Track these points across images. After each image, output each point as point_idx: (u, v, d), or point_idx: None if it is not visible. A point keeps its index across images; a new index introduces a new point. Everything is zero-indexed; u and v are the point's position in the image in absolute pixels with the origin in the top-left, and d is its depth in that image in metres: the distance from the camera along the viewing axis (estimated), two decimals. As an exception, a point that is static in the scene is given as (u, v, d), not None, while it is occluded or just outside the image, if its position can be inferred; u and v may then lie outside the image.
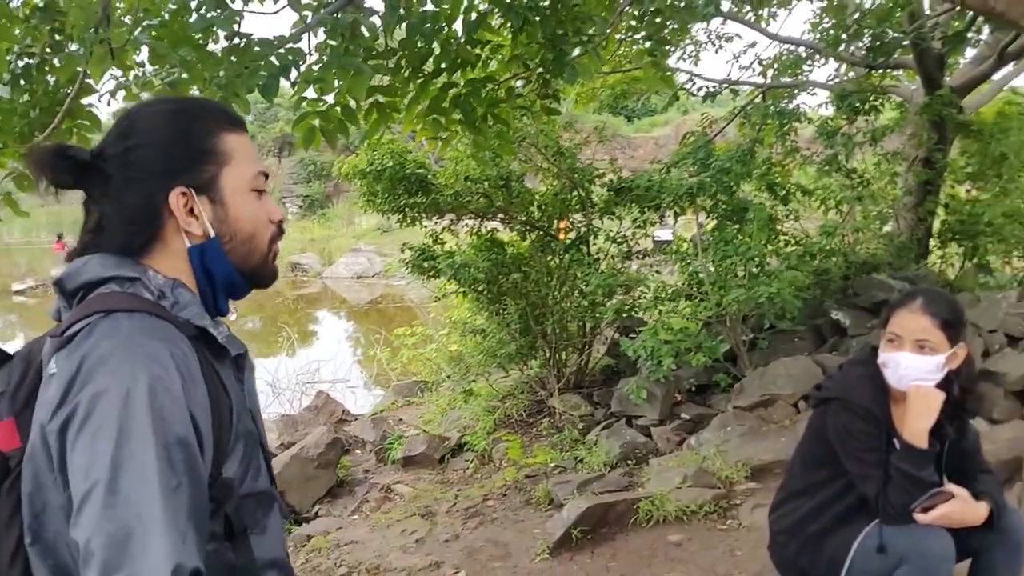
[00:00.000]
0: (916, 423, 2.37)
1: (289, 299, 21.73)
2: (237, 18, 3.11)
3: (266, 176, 1.40)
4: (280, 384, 10.48)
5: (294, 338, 13.92)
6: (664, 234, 10.28)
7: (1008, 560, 2.46)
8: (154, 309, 1.21)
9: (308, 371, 11.81)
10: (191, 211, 1.30)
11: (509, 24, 4.21)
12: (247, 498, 1.31)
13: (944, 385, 2.41)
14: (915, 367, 2.37)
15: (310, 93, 3.66)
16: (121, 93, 3.55)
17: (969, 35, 7.45)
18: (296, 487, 5.89)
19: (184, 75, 3.11)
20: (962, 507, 2.35)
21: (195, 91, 3.21)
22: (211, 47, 3.26)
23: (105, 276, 1.25)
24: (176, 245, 1.31)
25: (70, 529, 1.07)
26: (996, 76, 9.08)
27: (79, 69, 2.92)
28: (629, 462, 5.56)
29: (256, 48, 3.19)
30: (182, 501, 1.08)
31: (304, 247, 28.51)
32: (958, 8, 7.54)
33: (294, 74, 3.22)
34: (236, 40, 3.21)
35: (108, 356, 1.12)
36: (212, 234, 1.31)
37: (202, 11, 3.18)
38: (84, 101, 3.18)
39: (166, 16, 3.42)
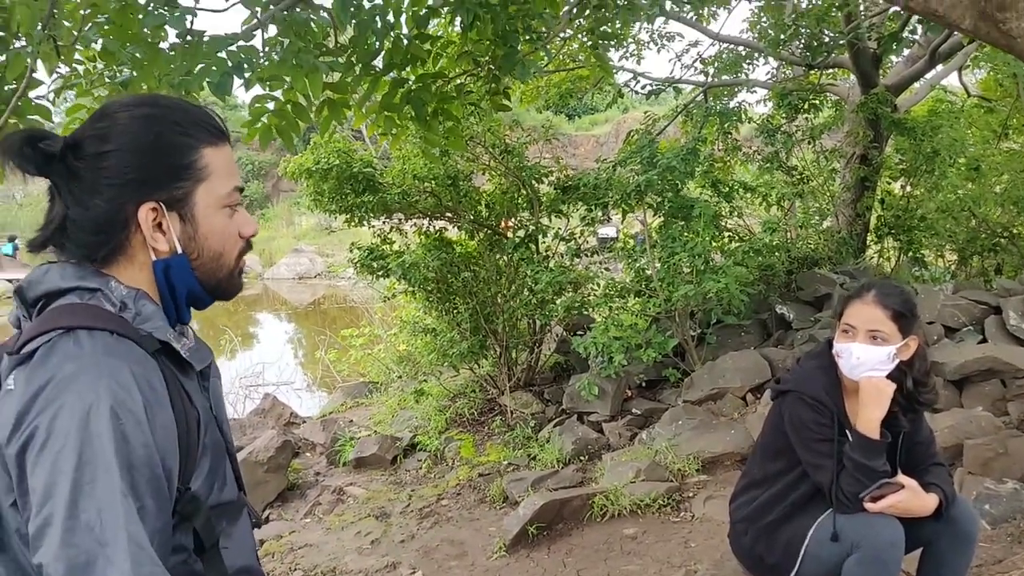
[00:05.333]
0: (868, 413, 2.43)
1: (229, 301, 21.39)
2: (189, 16, 3.06)
3: (241, 190, 1.37)
4: (223, 388, 10.37)
5: (235, 341, 13.74)
6: (608, 231, 10.38)
7: (956, 550, 2.53)
8: (116, 325, 1.17)
9: (251, 374, 11.67)
10: (159, 226, 1.26)
11: (459, 20, 4.21)
12: (214, 509, 1.29)
13: (897, 378, 2.48)
14: (867, 357, 2.44)
15: (257, 90, 3.62)
16: (71, 92, 3.47)
17: (903, 35, 7.63)
18: (246, 491, 5.80)
19: (134, 73, 3.05)
20: (911, 497, 2.41)
21: (144, 89, 3.15)
22: (161, 45, 3.20)
23: (65, 287, 1.21)
24: (141, 257, 1.27)
25: (31, 553, 1.04)
26: (928, 76, 9.39)
27: (27, 66, 2.85)
28: (582, 458, 5.60)
29: (206, 46, 3.14)
30: (147, 524, 1.07)
31: (244, 249, 28.09)
32: (893, 9, 7.75)
33: (247, 72, 3.17)
34: (188, 38, 3.15)
35: (70, 378, 1.09)
36: (179, 251, 1.28)
37: (151, 8, 3.12)
38: (32, 94, 3.09)
39: (111, 14, 3.34)
